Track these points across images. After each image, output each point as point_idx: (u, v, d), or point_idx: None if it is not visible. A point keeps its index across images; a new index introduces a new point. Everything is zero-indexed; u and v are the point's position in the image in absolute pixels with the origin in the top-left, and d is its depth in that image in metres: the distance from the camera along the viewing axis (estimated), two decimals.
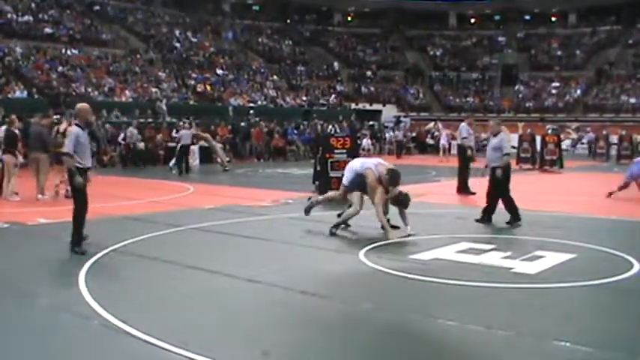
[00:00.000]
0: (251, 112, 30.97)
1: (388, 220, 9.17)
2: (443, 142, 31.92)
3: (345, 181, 9.35)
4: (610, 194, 13.82)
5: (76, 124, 7.85)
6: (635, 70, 42.56)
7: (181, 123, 23.44)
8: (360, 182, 9.07)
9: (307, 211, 9.78)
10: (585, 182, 17.17)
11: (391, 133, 34.32)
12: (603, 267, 7.06)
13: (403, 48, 50.41)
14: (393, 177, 8.82)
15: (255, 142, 27.16)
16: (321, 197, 9.70)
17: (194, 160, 21.12)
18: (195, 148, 22.66)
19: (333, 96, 40.82)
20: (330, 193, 9.93)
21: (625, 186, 13.94)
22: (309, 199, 9.73)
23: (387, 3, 50.31)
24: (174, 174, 19.35)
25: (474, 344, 4.75)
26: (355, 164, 9.37)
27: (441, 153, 31.00)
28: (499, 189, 10.07)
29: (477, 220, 10.11)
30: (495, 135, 10.44)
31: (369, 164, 9.18)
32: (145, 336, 4.74)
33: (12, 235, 9.13)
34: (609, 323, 5.28)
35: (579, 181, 18.80)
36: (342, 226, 9.27)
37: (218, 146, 22.46)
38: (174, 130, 24.35)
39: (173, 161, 20.44)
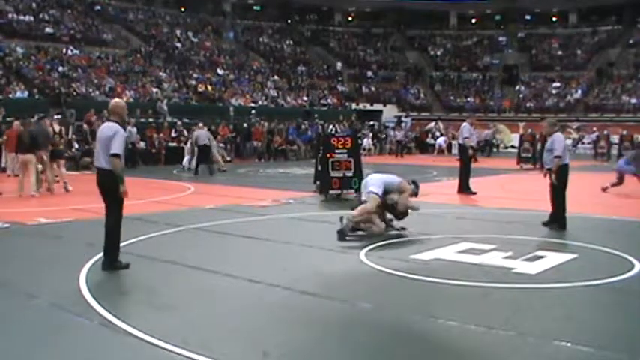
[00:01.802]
0: (252, 112, 30.96)
1: (391, 220, 9.24)
2: (440, 142, 32.16)
3: (378, 190, 8.82)
4: (604, 189, 14.51)
5: (116, 122, 6.92)
6: (636, 70, 42.52)
7: (178, 123, 23.44)
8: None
9: (342, 235, 8.57)
10: (586, 182, 17.11)
11: (392, 133, 34.37)
12: (604, 267, 7.05)
13: (404, 48, 50.42)
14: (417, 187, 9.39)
15: (256, 141, 27.17)
16: (356, 214, 8.72)
17: (193, 160, 21.09)
18: (195, 149, 22.64)
19: (331, 97, 40.81)
20: (362, 211, 8.79)
21: (618, 182, 14.69)
22: (341, 219, 8.71)
23: (387, 3, 50.31)
24: (175, 173, 19.38)
25: (474, 344, 4.74)
26: (382, 178, 9.10)
27: (435, 152, 31.32)
28: (555, 191, 9.70)
29: (544, 224, 9.76)
30: (549, 136, 9.94)
31: (398, 179, 9.23)
32: (145, 335, 4.74)
33: (12, 235, 9.12)
34: (609, 323, 5.28)
35: (580, 181, 18.75)
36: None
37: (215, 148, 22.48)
38: (173, 130, 24.37)
39: (186, 159, 20.51)
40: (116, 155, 6.71)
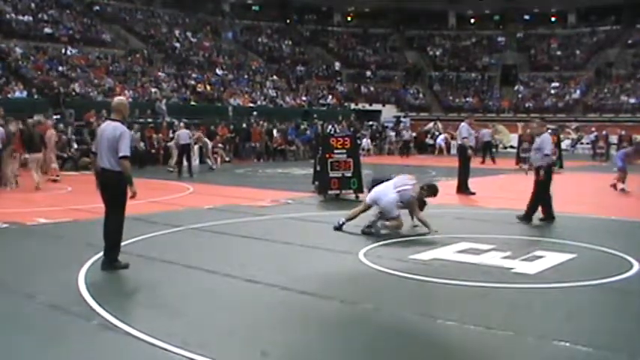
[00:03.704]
0: (254, 112, 30.89)
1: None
2: (439, 141, 32.20)
3: (395, 213, 9.06)
4: (622, 189, 14.71)
5: (118, 121, 6.85)
6: (635, 70, 42.56)
7: (176, 122, 23.42)
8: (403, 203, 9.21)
9: (366, 227, 9.11)
10: (585, 182, 17.16)
11: (391, 133, 34.34)
12: (603, 267, 7.06)
13: (403, 48, 50.41)
14: (431, 190, 9.60)
15: (255, 141, 27.15)
16: (388, 224, 9.02)
17: (194, 160, 21.14)
18: (195, 148, 22.66)
19: (330, 97, 40.79)
20: (392, 228, 9.08)
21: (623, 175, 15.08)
22: (371, 225, 9.06)
23: (386, 3, 50.29)
24: (172, 172, 19.39)
25: (474, 344, 4.74)
26: (390, 195, 9.08)
27: (436, 152, 31.39)
28: (540, 189, 10.17)
29: (518, 217, 10.22)
30: (538, 136, 10.57)
31: (408, 191, 9.17)
32: (144, 336, 4.74)
33: (12, 235, 9.12)
34: (609, 323, 5.28)
35: (579, 181, 18.78)
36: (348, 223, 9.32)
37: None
38: (170, 131, 24.36)
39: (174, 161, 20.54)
40: (126, 157, 6.66)
